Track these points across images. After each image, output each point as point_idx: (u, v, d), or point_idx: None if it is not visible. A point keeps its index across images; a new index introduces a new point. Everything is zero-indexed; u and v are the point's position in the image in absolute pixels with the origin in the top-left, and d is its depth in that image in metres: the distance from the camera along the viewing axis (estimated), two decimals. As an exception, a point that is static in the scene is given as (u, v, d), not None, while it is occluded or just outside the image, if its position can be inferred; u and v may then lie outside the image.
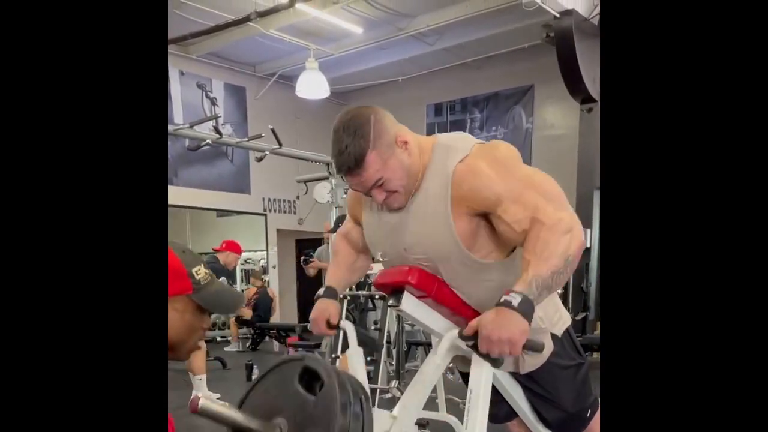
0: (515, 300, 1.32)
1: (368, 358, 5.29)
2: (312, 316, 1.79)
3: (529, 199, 1.44)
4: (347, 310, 5.36)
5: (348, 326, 1.80)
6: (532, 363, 1.73)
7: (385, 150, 1.47)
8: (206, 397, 1.14)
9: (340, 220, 5.68)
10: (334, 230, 6.19)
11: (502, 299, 1.35)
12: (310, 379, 1.23)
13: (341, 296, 1.94)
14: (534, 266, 1.37)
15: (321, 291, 1.81)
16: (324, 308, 1.77)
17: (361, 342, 1.85)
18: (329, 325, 1.79)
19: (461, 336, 1.43)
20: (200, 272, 1.23)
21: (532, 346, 1.39)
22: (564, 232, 1.39)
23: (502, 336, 1.32)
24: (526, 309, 1.33)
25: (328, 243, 6.13)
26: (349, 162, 1.46)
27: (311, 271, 6.39)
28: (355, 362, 1.78)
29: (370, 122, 1.46)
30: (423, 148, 1.55)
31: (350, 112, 1.50)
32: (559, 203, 1.46)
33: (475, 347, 1.39)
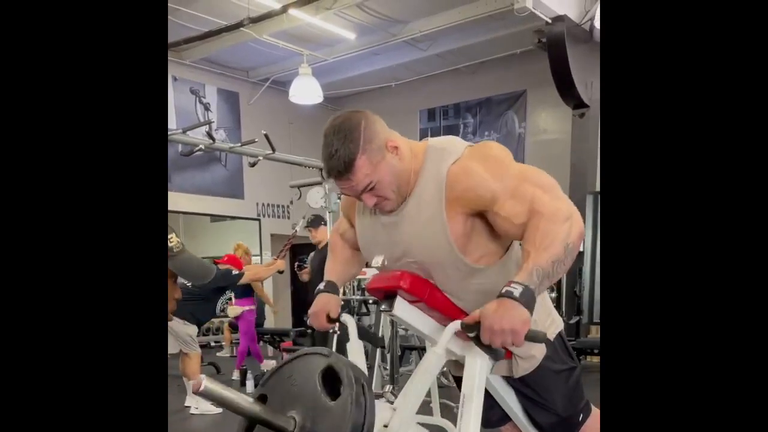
0: (516, 290, 1.33)
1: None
2: (312, 310, 1.80)
3: (525, 192, 1.46)
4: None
5: (349, 320, 1.81)
6: (524, 367, 1.74)
7: (375, 154, 1.48)
8: (210, 381, 1.16)
9: (315, 221, 5.62)
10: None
11: (503, 290, 1.35)
12: (332, 379, 1.27)
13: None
14: (534, 256, 1.38)
15: (321, 285, 1.82)
16: (325, 302, 1.79)
17: (363, 337, 1.88)
18: (329, 319, 1.80)
19: (463, 326, 1.43)
20: (173, 240, 1.27)
21: (533, 336, 1.39)
22: (563, 221, 1.41)
23: (504, 326, 1.32)
24: (528, 299, 1.33)
25: (319, 249, 6.12)
26: (338, 166, 1.47)
27: (305, 277, 6.39)
28: (355, 354, 1.81)
29: (360, 127, 1.47)
30: (415, 153, 1.56)
31: (340, 117, 1.51)
32: (555, 194, 1.47)
33: (476, 339, 1.39)
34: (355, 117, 1.50)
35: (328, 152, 1.48)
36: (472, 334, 1.41)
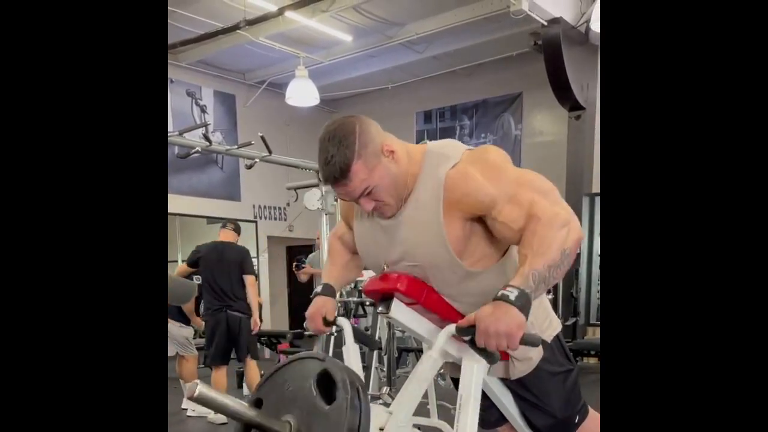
0: (512, 294, 1.34)
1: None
2: (309, 312, 1.79)
3: (523, 196, 1.46)
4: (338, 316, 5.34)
5: (344, 323, 1.81)
6: (521, 369, 1.75)
7: (371, 159, 1.48)
8: (204, 386, 1.16)
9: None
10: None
11: (499, 293, 1.36)
12: (328, 383, 1.27)
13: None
14: (530, 260, 1.38)
15: (318, 288, 1.82)
16: (321, 305, 1.78)
17: (359, 340, 1.88)
18: (326, 322, 1.79)
19: (458, 330, 1.44)
20: None
21: (529, 340, 1.39)
22: (561, 226, 1.41)
23: (499, 329, 1.33)
24: (524, 303, 1.34)
25: (320, 250, 6.11)
26: (334, 172, 1.48)
27: (303, 277, 6.37)
28: (351, 358, 1.80)
29: (355, 132, 1.47)
30: (412, 157, 1.57)
31: (335, 122, 1.51)
32: (554, 198, 1.48)
33: (472, 342, 1.39)
34: (349, 122, 1.50)
35: (323, 158, 1.48)
36: (467, 338, 1.41)
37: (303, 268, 6.22)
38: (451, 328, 1.48)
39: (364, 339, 1.98)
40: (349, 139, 1.46)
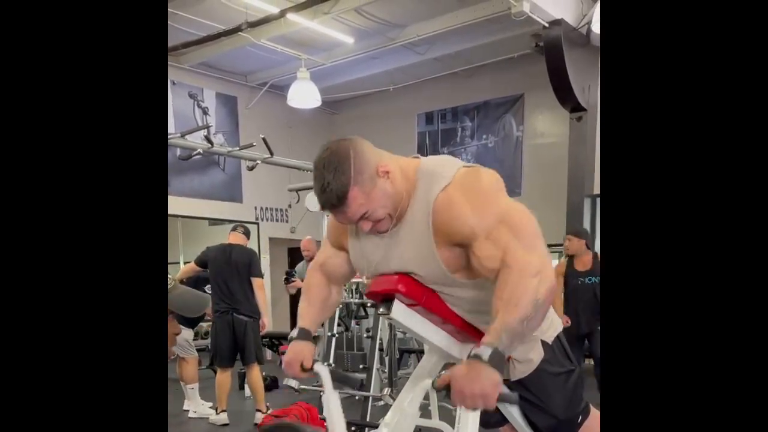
0: (485, 353, 1.33)
1: (361, 366, 5.30)
2: (285, 359, 1.77)
3: (500, 237, 1.45)
4: (339, 318, 5.35)
5: (322, 370, 1.77)
6: (522, 370, 1.75)
7: (367, 183, 1.48)
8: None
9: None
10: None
11: (472, 352, 1.36)
12: None
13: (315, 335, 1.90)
14: (502, 316, 1.37)
15: (294, 332, 1.78)
16: (299, 350, 1.76)
17: (341, 381, 1.83)
18: (303, 369, 1.77)
19: (434, 388, 1.45)
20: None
21: (505, 399, 1.39)
22: (532, 276, 1.40)
23: (474, 390, 1.33)
24: (497, 361, 1.34)
25: (308, 260, 6.09)
26: (331, 199, 1.48)
27: (292, 290, 6.28)
28: (332, 405, 1.74)
29: (349, 158, 1.47)
30: (406, 173, 1.56)
31: (329, 149, 1.50)
32: (530, 244, 1.45)
33: (449, 398, 1.39)
34: (343, 147, 1.49)
35: (320, 186, 1.49)
36: (444, 394, 1.41)
37: (292, 281, 6.17)
38: (428, 382, 1.52)
39: (344, 380, 1.95)
40: (344, 165, 1.46)
